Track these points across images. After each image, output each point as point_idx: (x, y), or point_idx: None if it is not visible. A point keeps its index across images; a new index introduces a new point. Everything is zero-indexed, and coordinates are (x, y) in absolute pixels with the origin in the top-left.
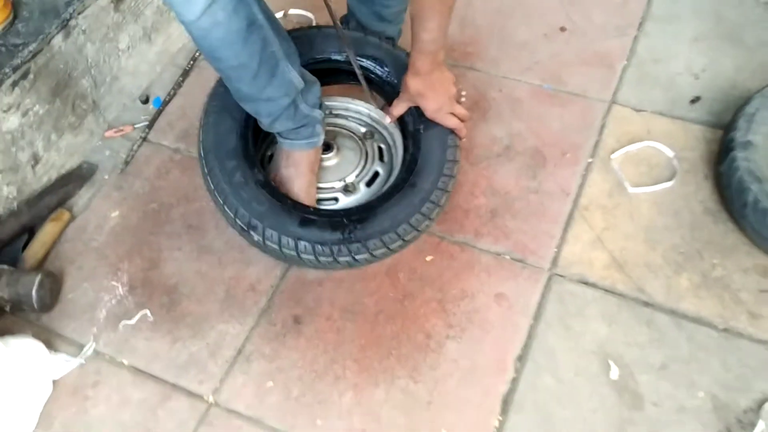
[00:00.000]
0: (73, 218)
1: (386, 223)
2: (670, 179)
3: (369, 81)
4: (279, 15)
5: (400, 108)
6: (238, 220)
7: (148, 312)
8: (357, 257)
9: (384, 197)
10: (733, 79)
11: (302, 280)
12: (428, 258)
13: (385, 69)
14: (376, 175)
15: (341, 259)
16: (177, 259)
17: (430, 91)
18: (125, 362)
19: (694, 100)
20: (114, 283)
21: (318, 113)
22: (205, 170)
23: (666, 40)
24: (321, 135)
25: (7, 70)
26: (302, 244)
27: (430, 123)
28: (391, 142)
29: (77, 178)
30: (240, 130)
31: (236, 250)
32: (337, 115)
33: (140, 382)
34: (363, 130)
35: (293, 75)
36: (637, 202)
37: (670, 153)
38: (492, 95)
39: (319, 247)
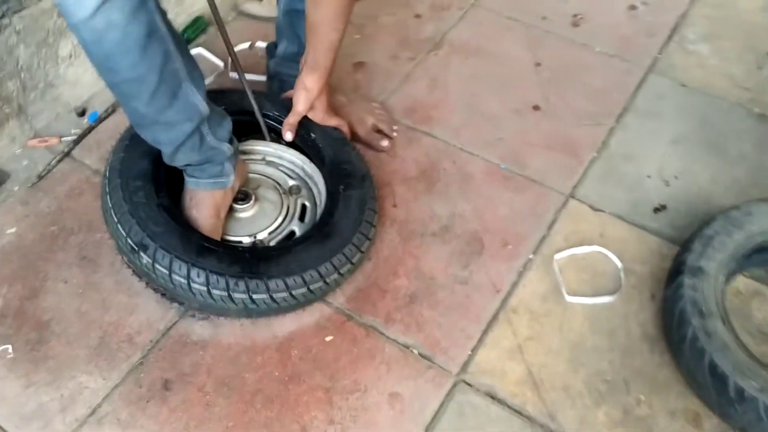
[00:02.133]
0: None
1: (292, 266)
2: (612, 293)
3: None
4: (244, 46)
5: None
6: (129, 239)
7: (9, 347)
8: (254, 296)
9: (294, 243)
10: (705, 192)
11: (185, 341)
12: (328, 338)
13: None
14: (291, 235)
15: (236, 295)
16: (59, 292)
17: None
18: None
19: (659, 209)
20: None
21: (227, 148)
22: (106, 189)
23: (643, 137)
24: (230, 176)
25: None
26: (195, 271)
27: (351, 185)
28: (318, 202)
29: None
30: (155, 157)
31: (125, 293)
32: (268, 163)
33: None
34: (290, 183)
35: (197, 99)
36: (571, 312)
37: (618, 263)
38: (443, 166)
39: (214, 277)
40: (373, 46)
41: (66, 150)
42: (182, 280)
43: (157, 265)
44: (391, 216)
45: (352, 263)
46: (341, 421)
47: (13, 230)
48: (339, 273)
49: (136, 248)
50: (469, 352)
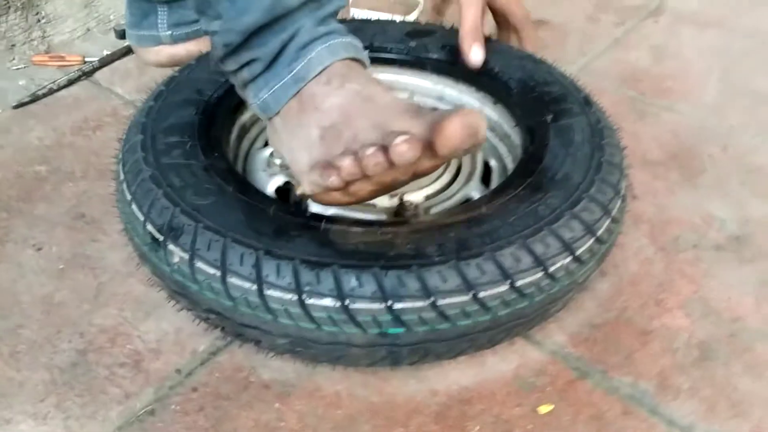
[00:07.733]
0: None
1: (474, 241)
2: None
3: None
4: None
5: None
6: (149, 223)
7: None
8: (396, 306)
9: (478, 203)
10: None
11: (248, 379)
12: (543, 408)
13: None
14: (464, 203)
15: (361, 318)
16: (24, 266)
17: None
18: None
19: None
20: None
21: None
22: (120, 156)
23: None
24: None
25: None
26: (273, 263)
27: (567, 112)
28: (507, 161)
29: None
30: (204, 106)
31: (137, 278)
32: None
33: None
34: None
35: None
36: None
37: None
38: (708, 151)
39: (313, 272)
40: (560, 5)
41: (87, 69)
42: (249, 285)
43: (199, 262)
44: (634, 212)
45: (598, 240)
46: None
47: None
48: (575, 257)
49: (158, 235)
50: None
